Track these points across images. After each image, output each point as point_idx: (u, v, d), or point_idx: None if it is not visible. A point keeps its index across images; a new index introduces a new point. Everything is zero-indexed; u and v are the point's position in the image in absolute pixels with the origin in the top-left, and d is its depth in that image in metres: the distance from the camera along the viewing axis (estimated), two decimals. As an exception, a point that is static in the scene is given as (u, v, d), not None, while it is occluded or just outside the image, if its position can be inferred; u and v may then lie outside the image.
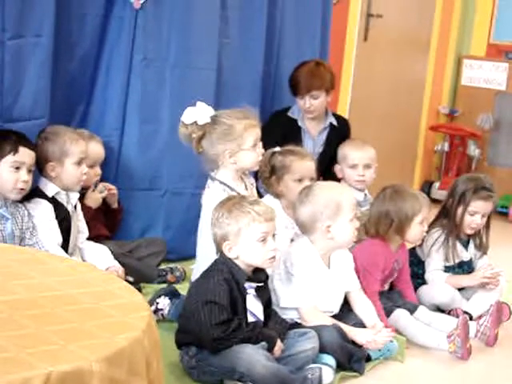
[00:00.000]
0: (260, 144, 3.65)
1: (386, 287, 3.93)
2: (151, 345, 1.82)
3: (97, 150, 4.01)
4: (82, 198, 3.89)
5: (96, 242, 3.86)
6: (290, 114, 4.69)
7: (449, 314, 4.00)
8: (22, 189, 3.46)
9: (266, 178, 3.87)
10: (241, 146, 3.59)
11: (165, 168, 4.32)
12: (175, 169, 4.33)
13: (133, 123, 4.20)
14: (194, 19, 4.30)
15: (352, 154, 4.40)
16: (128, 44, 4.11)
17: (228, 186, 3.60)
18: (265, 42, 4.76)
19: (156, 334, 1.93)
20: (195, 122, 3.58)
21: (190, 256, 4.13)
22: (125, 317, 1.88)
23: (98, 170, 4.04)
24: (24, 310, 1.86)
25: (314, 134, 4.72)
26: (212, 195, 3.47)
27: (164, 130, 4.27)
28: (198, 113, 3.58)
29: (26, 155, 3.45)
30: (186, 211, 4.36)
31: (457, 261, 4.19)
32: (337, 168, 4.45)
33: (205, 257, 3.25)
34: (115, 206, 4.14)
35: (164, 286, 3.85)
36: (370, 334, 3.38)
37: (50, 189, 3.67)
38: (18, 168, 3.43)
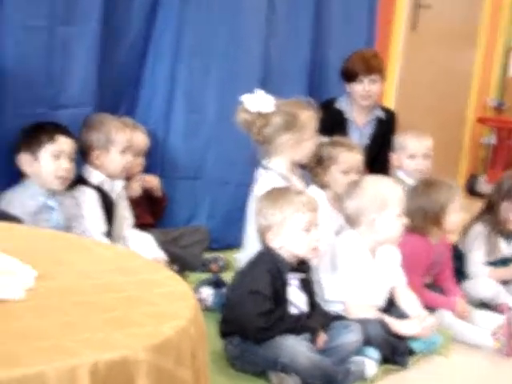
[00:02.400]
0: (317, 135, 3.67)
1: (428, 280, 3.90)
2: (197, 334, 1.81)
3: (141, 139, 4.01)
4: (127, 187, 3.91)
5: (141, 230, 3.87)
6: (336, 105, 4.66)
7: (494, 310, 3.97)
8: (64, 177, 3.47)
9: (313, 168, 3.86)
10: (303, 136, 3.61)
11: (210, 157, 4.31)
12: (220, 158, 4.33)
13: (179, 112, 4.20)
14: (241, 8, 4.29)
15: (411, 144, 4.37)
16: (175, 32, 4.11)
17: (282, 176, 3.60)
18: (311, 32, 4.73)
19: (202, 323, 1.91)
20: (259, 110, 3.58)
21: (234, 245, 4.14)
22: (171, 305, 1.86)
23: (141, 160, 4.04)
24: (70, 297, 1.86)
25: (361, 126, 4.68)
26: (266, 185, 3.46)
27: (210, 118, 4.27)
28: (261, 101, 3.59)
29: (63, 143, 3.47)
30: (231, 201, 4.36)
31: (499, 256, 4.16)
32: (393, 157, 4.42)
33: (253, 246, 3.26)
34: (158, 194, 4.14)
35: (207, 275, 3.85)
36: (415, 323, 3.36)
37: (94, 177, 3.68)
38: (58, 157, 3.45)
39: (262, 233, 3.13)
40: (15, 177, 3.53)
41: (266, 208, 3.11)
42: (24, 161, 3.47)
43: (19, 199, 3.40)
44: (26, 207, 3.36)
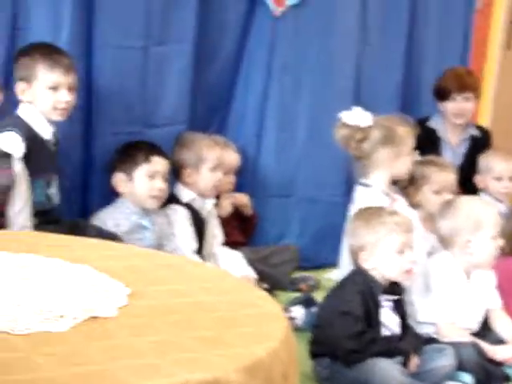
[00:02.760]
0: (414, 152, 3.64)
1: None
2: (289, 356, 1.79)
3: (232, 158, 4.03)
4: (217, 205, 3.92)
5: (231, 248, 3.88)
6: (429, 123, 4.59)
7: None
8: (158, 197, 3.52)
9: (405, 187, 3.82)
10: (401, 151, 3.59)
11: (301, 175, 4.29)
12: (311, 176, 4.30)
13: (270, 130, 4.20)
14: (334, 28, 4.26)
15: (498, 166, 4.30)
16: (267, 50, 4.11)
17: (384, 193, 3.58)
18: (404, 49, 4.69)
19: (293, 345, 1.89)
20: (357, 124, 3.57)
21: (325, 264, 4.12)
22: (263, 326, 1.85)
23: (231, 179, 4.05)
24: (162, 316, 1.86)
25: (455, 146, 4.61)
26: (368, 202, 3.44)
27: (301, 136, 4.25)
28: (359, 116, 3.58)
29: (158, 164, 3.52)
30: (322, 219, 4.33)
31: None
32: (478, 179, 4.35)
33: (349, 266, 3.23)
34: (249, 212, 4.15)
35: (297, 294, 3.83)
36: (511, 348, 3.28)
37: (185, 195, 3.71)
38: (152, 177, 3.49)
39: (355, 253, 3.10)
40: (109, 196, 3.58)
41: (359, 228, 3.09)
42: (119, 180, 3.52)
43: (113, 218, 3.45)
44: (120, 226, 3.41)
